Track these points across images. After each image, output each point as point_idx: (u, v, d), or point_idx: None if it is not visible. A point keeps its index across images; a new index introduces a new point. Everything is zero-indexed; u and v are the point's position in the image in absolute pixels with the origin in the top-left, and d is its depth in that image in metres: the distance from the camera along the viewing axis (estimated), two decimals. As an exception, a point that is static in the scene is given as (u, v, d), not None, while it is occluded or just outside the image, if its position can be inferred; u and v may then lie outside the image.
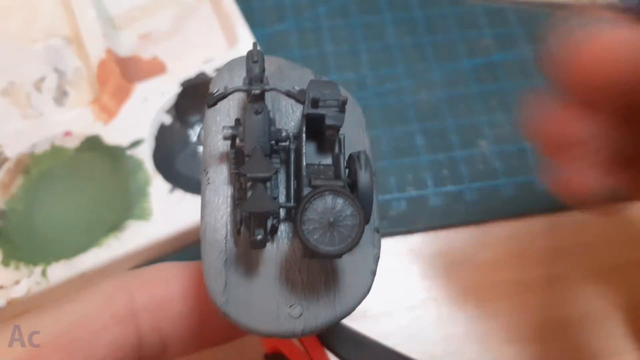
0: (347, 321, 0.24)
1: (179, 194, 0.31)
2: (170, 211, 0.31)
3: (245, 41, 0.35)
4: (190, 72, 0.35)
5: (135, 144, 0.33)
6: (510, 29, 0.40)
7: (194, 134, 0.35)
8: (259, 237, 0.17)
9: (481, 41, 0.40)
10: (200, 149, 0.25)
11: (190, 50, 0.36)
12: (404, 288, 0.33)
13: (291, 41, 0.40)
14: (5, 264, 0.30)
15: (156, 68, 0.35)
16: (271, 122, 0.19)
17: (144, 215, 0.31)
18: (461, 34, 0.40)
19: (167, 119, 0.34)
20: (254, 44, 0.20)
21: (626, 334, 0.31)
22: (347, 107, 0.19)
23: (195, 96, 0.35)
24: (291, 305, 0.19)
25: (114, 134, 0.33)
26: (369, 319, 0.32)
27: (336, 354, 0.24)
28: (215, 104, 0.19)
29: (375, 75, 0.39)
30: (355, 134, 0.21)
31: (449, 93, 0.38)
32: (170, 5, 0.38)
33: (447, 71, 0.39)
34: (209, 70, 0.35)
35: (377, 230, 0.20)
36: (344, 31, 0.40)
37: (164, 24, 0.37)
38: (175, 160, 0.34)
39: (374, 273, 0.20)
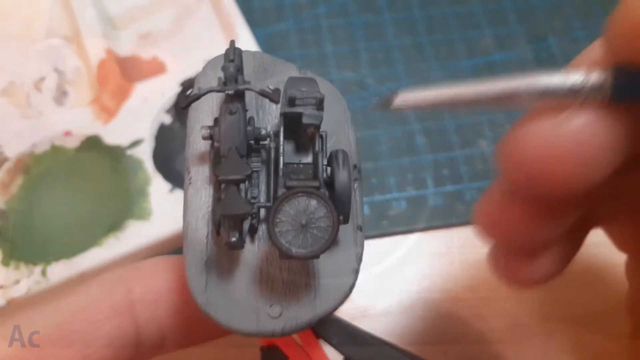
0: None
1: (179, 194, 0.31)
2: (170, 211, 0.31)
3: (245, 41, 0.35)
4: (190, 72, 0.35)
5: (135, 143, 0.33)
6: (510, 29, 0.40)
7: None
8: (233, 239, 0.17)
9: (481, 41, 0.40)
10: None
11: (190, 50, 0.36)
12: (403, 287, 0.33)
13: (291, 41, 0.40)
14: (5, 263, 0.30)
15: (156, 68, 0.35)
16: (250, 120, 0.19)
17: (144, 215, 0.31)
18: (461, 34, 0.40)
19: (167, 119, 0.34)
20: (231, 42, 0.19)
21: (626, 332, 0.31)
22: (332, 102, 0.19)
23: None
24: (271, 305, 0.18)
25: (114, 134, 0.33)
26: (368, 319, 0.32)
27: (332, 345, 0.24)
28: (188, 105, 0.19)
29: (375, 75, 0.39)
30: (340, 130, 0.21)
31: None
32: (170, 5, 0.38)
33: (447, 71, 0.39)
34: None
35: (359, 229, 0.20)
36: (344, 31, 0.40)
37: (164, 24, 0.37)
38: (175, 160, 0.34)
39: (356, 272, 0.19)
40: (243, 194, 0.18)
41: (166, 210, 0.31)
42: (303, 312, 0.19)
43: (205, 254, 0.19)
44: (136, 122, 0.33)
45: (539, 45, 0.40)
